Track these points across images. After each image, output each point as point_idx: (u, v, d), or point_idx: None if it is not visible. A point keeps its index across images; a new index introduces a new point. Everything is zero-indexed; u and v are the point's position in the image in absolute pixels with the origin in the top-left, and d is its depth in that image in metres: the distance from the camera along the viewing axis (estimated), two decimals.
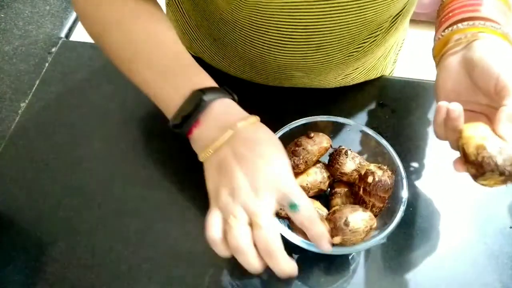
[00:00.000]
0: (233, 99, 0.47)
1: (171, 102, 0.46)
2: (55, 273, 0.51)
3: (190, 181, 0.58)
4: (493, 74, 0.43)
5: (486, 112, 0.47)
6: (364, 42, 0.57)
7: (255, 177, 0.41)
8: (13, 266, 0.52)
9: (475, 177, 0.41)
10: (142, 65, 0.49)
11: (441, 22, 0.51)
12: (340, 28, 0.52)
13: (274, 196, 0.41)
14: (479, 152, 0.39)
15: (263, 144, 0.43)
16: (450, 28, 0.49)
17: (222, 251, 0.40)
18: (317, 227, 0.42)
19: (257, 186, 0.40)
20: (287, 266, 0.40)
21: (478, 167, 0.40)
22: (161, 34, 0.50)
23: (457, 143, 0.43)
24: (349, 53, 0.58)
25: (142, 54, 0.48)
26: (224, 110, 0.45)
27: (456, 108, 0.43)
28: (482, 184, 0.42)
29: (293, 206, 0.41)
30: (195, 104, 0.44)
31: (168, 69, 0.48)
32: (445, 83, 0.48)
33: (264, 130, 0.45)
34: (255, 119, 0.45)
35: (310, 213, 0.42)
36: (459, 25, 0.48)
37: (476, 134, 0.41)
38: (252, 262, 0.39)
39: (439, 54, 0.50)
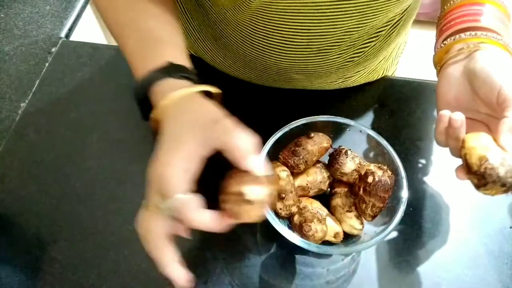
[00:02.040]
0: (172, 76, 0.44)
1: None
2: (55, 273, 0.51)
3: None
4: (495, 85, 0.43)
5: (485, 121, 0.47)
6: (365, 47, 0.57)
7: (148, 175, 0.41)
8: (13, 266, 0.52)
9: (477, 187, 0.41)
10: (124, 44, 0.49)
11: (442, 31, 0.52)
12: (341, 33, 0.52)
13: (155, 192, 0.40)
14: (481, 163, 0.40)
15: (164, 135, 0.41)
16: (452, 38, 0.49)
17: None
18: (195, 220, 0.38)
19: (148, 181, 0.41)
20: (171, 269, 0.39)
21: (481, 178, 0.40)
22: (142, 21, 0.48)
23: (459, 152, 0.43)
24: (349, 57, 0.58)
25: (124, 34, 0.48)
26: (160, 96, 0.43)
27: (459, 118, 0.43)
28: (484, 193, 0.42)
29: (163, 210, 0.39)
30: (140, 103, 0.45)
31: (134, 54, 0.47)
32: (446, 91, 0.49)
33: (173, 118, 0.42)
34: (162, 104, 0.42)
35: (182, 210, 0.38)
36: (462, 35, 0.49)
37: (478, 144, 0.41)
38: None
39: (440, 62, 0.51)
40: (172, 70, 0.44)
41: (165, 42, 0.47)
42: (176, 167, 0.38)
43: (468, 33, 0.48)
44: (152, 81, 0.43)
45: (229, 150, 0.38)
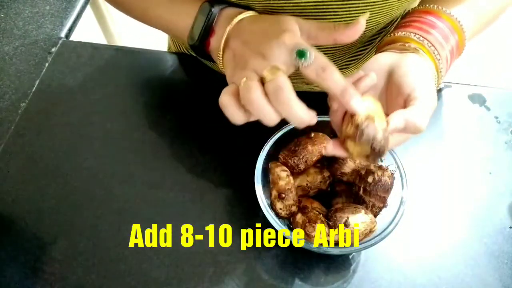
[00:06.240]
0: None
1: (186, 27, 0.49)
2: (55, 273, 0.51)
3: (190, 181, 0.58)
4: (411, 84, 0.43)
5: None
6: (359, 54, 0.58)
7: (261, 47, 0.41)
8: (13, 266, 0.52)
9: (348, 137, 0.41)
10: (152, 8, 0.52)
11: (402, 26, 0.51)
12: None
13: (282, 54, 0.40)
14: (368, 120, 0.40)
15: (262, 25, 0.44)
16: (403, 32, 0.48)
17: (234, 113, 0.40)
18: (335, 76, 0.40)
19: (264, 52, 0.41)
20: (301, 112, 0.39)
21: (360, 131, 0.40)
22: None
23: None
24: (345, 63, 0.58)
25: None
26: (233, 14, 0.46)
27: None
28: (347, 148, 0.42)
29: (301, 53, 0.39)
30: (206, 17, 0.46)
31: (174, 3, 0.51)
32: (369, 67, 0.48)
33: (263, 16, 0.46)
34: (253, 12, 0.46)
35: (323, 60, 0.40)
36: (411, 35, 0.48)
37: (376, 109, 0.42)
38: (266, 112, 0.39)
39: (381, 46, 0.50)
40: (223, 2, 0.47)
41: None
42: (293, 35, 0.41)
43: (417, 36, 0.47)
44: (216, 12, 0.46)
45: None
